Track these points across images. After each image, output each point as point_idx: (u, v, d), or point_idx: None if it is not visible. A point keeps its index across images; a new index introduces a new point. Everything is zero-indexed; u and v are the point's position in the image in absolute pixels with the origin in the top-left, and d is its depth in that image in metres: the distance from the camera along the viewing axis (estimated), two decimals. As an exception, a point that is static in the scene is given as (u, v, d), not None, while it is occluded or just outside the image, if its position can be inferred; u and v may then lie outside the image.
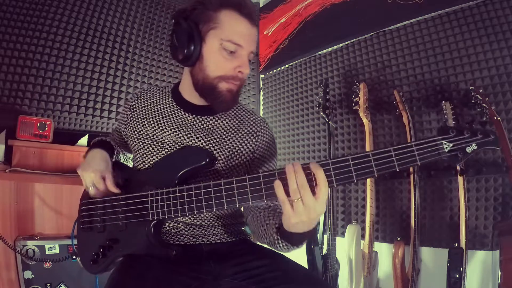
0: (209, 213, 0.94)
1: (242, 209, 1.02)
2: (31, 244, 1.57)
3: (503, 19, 1.45)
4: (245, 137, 0.96)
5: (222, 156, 0.93)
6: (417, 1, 1.71)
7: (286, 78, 2.44)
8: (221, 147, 0.93)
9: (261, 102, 2.65)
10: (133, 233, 0.87)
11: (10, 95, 1.83)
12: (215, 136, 0.94)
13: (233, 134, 0.95)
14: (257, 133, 0.97)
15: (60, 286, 1.59)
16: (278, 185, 0.66)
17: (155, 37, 2.37)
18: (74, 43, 2.02)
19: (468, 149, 0.70)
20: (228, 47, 0.85)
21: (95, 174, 0.89)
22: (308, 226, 0.68)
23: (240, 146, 0.95)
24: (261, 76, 2.67)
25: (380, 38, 1.87)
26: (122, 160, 1.13)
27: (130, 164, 1.15)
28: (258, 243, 0.93)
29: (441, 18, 1.63)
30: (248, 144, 0.96)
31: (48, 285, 1.56)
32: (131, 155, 1.16)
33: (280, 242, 0.78)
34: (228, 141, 0.94)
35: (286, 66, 2.45)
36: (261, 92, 2.66)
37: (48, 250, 1.59)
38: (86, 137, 1.99)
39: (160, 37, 2.39)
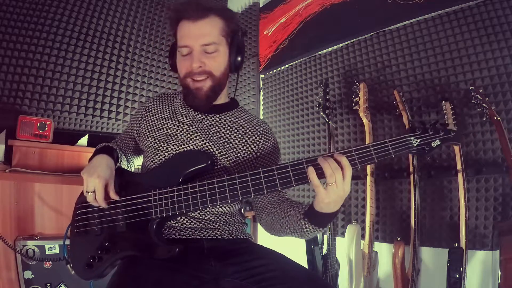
0: (211, 211, 0.95)
1: (243, 209, 1.05)
2: (31, 244, 1.56)
3: (503, 19, 1.45)
4: (249, 134, 1.05)
5: (228, 152, 0.99)
6: (417, 1, 1.71)
7: (286, 78, 2.44)
8: (228, 143, 1.01)
9: (261, 102, 2.65)
10: (133, 233, 0.87)
11: (10, 95, 1.82)
12: (222, 133, 1.02)
13: (238, 131, 1.04)
14: (261, 132, 1.06)
15: (60, 286, 1.59)
16: (311, 171, 0.75)
17: (155, 37, 2.37)
18: (74, 43, 2.02)
19: (433, 144, 0.86)
20: (182, 51, 0.99)
21: (99, 181, 0.89)
22: (338, 204, 0.79)
23: (245, 142, 1.03)
24: (261, 76, 2.67)
25: (380, 38, 1.87)
26: (124, 167, 1.13)
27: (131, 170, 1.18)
28: (276, 235, 0.99)
29: (441, 18, 1.63)
30: (253, 141, 1.04)
31: (48, 285, 1.56)
32: (135, 162, 1.19)
33: (307, 226, 0.85)
34: (234, 137, 1.03)
35: (286, 66, 2.45)
36: (261, 92, 2.66)
37: (48, 250, 1.59)
38: (86, 137, 1.99)
39: (160, 38, 2.39)
